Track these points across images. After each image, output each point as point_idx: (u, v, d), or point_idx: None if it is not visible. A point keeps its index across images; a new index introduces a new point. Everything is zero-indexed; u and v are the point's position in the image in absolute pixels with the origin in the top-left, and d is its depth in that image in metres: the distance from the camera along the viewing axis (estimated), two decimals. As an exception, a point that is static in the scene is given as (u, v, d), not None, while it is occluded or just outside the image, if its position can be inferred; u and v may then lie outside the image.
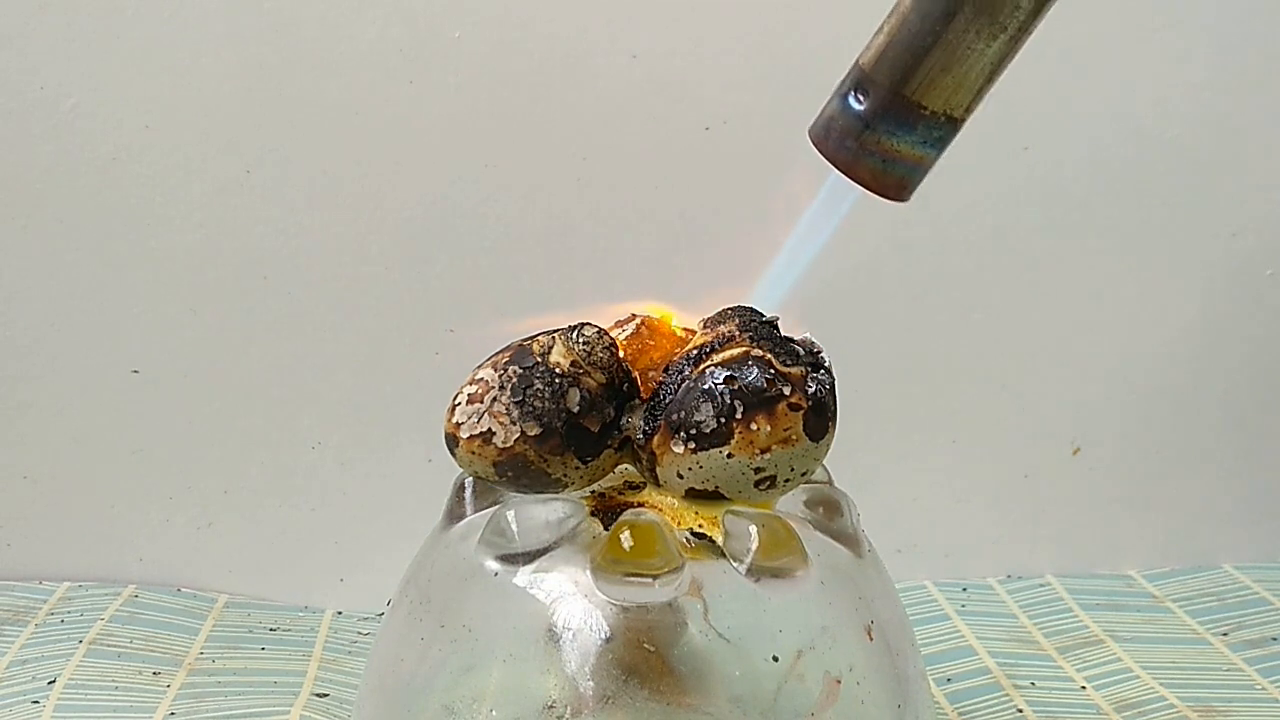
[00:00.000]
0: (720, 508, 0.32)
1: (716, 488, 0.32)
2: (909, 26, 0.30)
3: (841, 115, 0.31)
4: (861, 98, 0.30)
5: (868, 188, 0.31)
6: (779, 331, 0.33)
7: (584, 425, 0.32)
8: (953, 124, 0.30)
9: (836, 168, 0.31)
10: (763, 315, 0.33)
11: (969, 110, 0.30)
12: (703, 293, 0.34)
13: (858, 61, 0.31)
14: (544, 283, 0.53)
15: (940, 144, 0.31)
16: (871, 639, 0.33)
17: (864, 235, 0.55)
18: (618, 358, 0.33)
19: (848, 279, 0.55)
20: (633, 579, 0.31)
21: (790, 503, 0.34)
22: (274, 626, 0.51)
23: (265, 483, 0.54)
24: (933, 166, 0.31)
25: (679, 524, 0.32)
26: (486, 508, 0.34)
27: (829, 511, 0.35)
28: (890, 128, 0.30)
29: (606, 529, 0.32)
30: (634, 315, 0.35)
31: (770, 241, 0.34)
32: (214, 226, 0.52)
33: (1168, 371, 0.58)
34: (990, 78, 0.30)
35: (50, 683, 0.45)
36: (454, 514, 0.35)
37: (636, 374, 0.33)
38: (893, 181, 0.31)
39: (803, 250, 0.34)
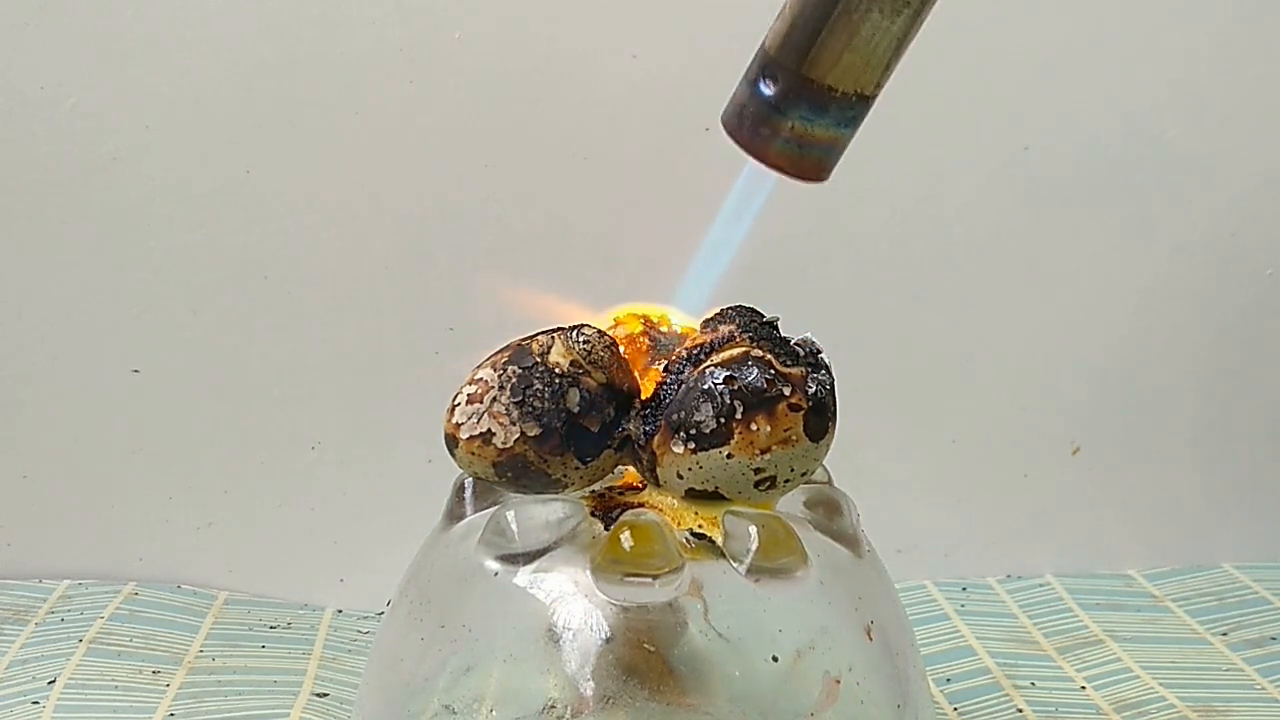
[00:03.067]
0: (720, 508, 0.32)
1: (716, 488, 0.32)
2: (809, 7, 0.28)
3: (752, 102, 0.30)
4: (770, 83, 0.29)
5: (785, 173, 0.30)
6: (779, 331, 0.33)
7: (584, 425, 0.32)
8: (865, 101, 0.29)
9: (752, 156, 0.30)
10: (763, 315, 0.33)
11: (879, 86, 0.29)
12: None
13: (763, 45, 0.30)
14: (544, 283, 0.53)
15: (854, 122, 0.30)
16: (871, 639, 0.33)
17: (864, 235, 0.55)
18: (618, 357, 0.32)
19: (848, 278, 0.55)
20: (633, 579, 0.31)
21: (790, 503, 0.34)
22: (274, 624, 0.51)
23: (265, 483, 0.54)
24: (849, 143, 0.30)
25: (679, 524, 0.32)
26: (486, 508, 0.34)
27: (829, 511, 0.35)
28: (802, 112, 0.29)
29: (606, 529, 0.32)
30: (632, 314, 0.35)
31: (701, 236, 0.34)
32: (214, 226, 0.52)
33: (1168, 371, 0.58)
34: (898, 51, 0.29)
35: (50, 682, 0.45)
36: (454, 514, 0.35)
37: (636, 374, 0.33)
38: (810, 164, 0.30)
39: (725, 241, 0.33)
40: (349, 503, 0.55)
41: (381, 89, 0.51)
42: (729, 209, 0.32)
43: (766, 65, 0.29)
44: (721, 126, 0.30)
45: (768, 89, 0.29)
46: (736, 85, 0.30)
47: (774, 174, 0.30)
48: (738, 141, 0.30)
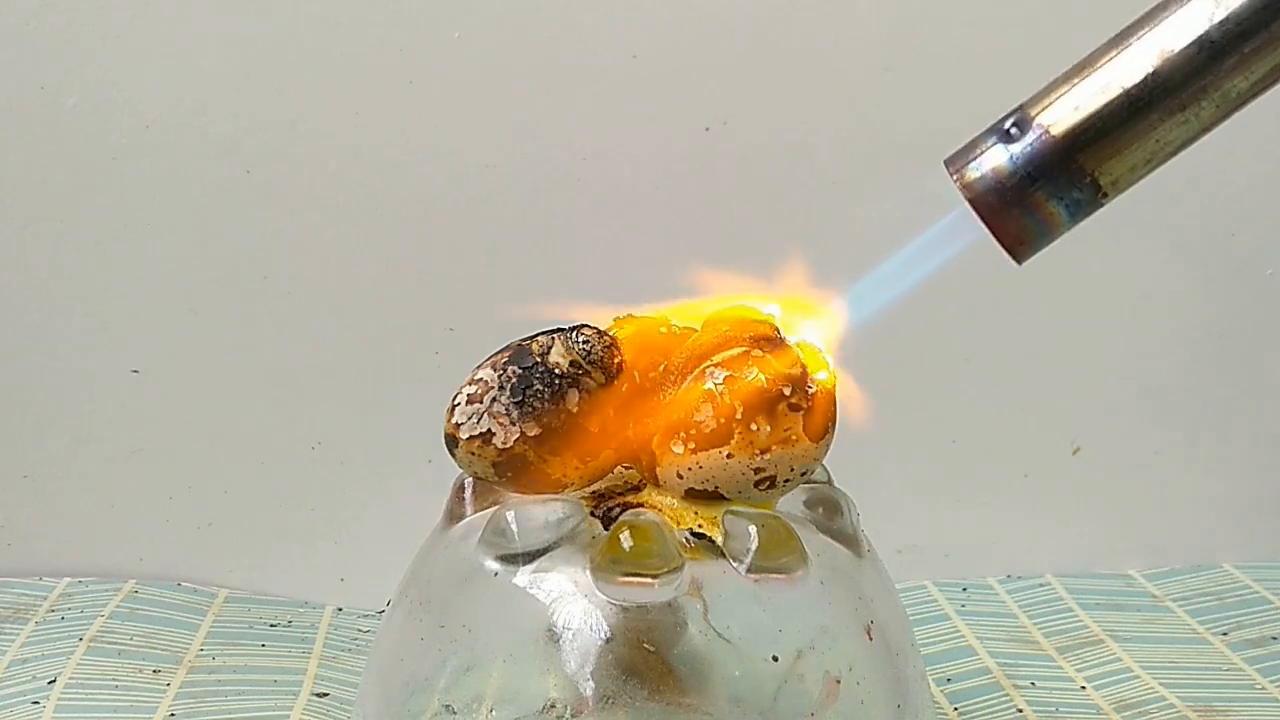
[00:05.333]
0: (720, 508, 0.32)
1: (716, 488, 0.32)
2: (1105, 97, 0.28)
3: (1002, 161, 0.29)
4: (1029, 149, 0.28)
5: (1002, 239, 0.29)
6: (779, 332, 0.33)
7: (584, 425, 0.32)
8: (1103, 200, 0.29)
9: (978, 211, 0.29)
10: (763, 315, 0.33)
11: (1120, 191, 0.29)
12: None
13: (1029, 112, 0.29)
14: (544, 283, 0.53)
15: (1080, 216, 0.29)
16: (871, 639, 0.33)
17: (863, 234, 0.55)
18: (618, 357, 0.32)
19: (848, 279, 0.55)
20: (632, 579, 0.31)
21: (790, 503, 0.34)
22: (274, 622, 0.51)
23: (265, 483, 0.54)
24: (1058, 238, 0.29)
25: (679, 524, 0.32)
26: (486, 508, 0.34)
27: (829, 511, 0.35)
28: (1052, 189, 0.28)
29: (606, 529, 0.32)
30: (631, 315, 0.35)
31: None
32: (214, 226, 0.52)
33: (1167, 371, 0.58)
34: (1161, 163, 0.29)
35: (50, 682, 0.45)
36: (454, 514, 0.35)
37: (636, 374, 0.33)
38: (1027, 240, 0.29)
39: (899, 277, 0.33)
40: (349, 503, 0.55)
41: (381, 89, 0.51)
42: (915, 251, 0.32)
43: (1028, 129, 0.29)
44: (950, 174, 0.29)
45: (1024, 153, 0.28)
46: (980, 138, 0.29)
47: (978, 232, 0.30)
48: (969, 194, 0.29)
